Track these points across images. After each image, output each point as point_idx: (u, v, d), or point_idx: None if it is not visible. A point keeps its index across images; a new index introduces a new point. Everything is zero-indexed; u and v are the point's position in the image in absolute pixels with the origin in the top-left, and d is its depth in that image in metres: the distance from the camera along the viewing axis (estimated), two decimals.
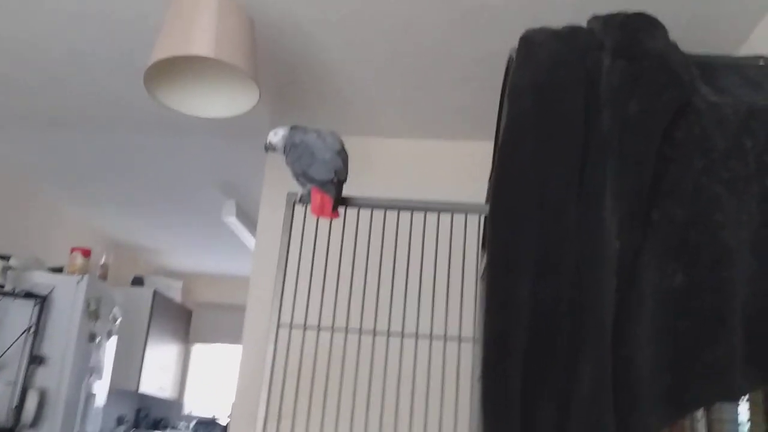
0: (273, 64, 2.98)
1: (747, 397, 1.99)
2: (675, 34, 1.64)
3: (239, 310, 3.71)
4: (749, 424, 2.10)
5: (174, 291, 6.89)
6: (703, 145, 1.52)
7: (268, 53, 2.87)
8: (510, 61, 1.77)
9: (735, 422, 2.10)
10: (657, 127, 1.52)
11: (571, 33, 1.66)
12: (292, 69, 3.01)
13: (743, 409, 2.10)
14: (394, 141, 3.63)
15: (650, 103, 1.54)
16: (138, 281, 6.48)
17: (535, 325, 1.49)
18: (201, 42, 2.23)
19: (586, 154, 1.54)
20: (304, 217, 2.12)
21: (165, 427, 6.90)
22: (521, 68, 1.65)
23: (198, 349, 7.44)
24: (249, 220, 4.94)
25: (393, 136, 3.61)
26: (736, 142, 1.52)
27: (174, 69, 2.44)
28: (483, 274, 2.06)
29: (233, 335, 6.81)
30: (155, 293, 6.41)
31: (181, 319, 7.13)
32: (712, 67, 1.67)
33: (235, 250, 6.06)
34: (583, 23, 1.72)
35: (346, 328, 2.13)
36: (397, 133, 3.58)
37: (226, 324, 7.05)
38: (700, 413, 2.03)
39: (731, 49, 2.48)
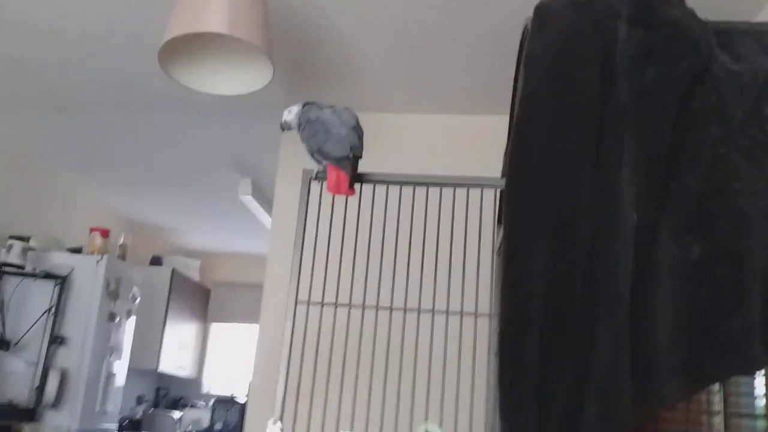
0: (286, 41, 2.97)
1: (764, 371, 1.98)
2: (691, 1, 1.62)
3: (257, 288, 3.73)
4: (766, 398, 2.09)
5: (192, 270, 6.93)
6: (721, 113, 1.51)
7: (281, 30, 2.86)
8: (525, 31, 1.75)
9: (752, 395, 2.09)
10: (674, 96, 1.51)
11: (586, 2, 1.63)
12: (305, 45, 3.00)
13: (759, 382, 2.09)
14: (408, 116, 3.62)
15: (667, 71, 1.52)
16: (156, 261, 6.53)
17: (551, 298, 1.48)
18: (215, 18, 2.22)
19: (602, 124, 1.53)
20: (320, 194, 2.12)
21: (184, 406, 6.98)
22: (536, 38, 1.63)
23: (216, 328, 7.50)
24: (265, 198, 4.95)
25: (407, 112, 3.60)
26: (754, 109, 1.50)
27: (188, 46, 2.43)
28: (499, 248, 2.05)
29: (251, 314, 6.84)
30: (173, 272, 6.45)
31: (199, 298, 7.18)
32: (729, 35, 1.64)
33: (251, 229, 6.08)
34: None
35: (363, 304, 2.13)
36: (411, 109, 3.56)
37: (244, 303, 7.08)
38: (716, 386, 2.02)
39: (748, 15, 2.45)
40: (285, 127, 2.16)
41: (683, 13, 1.59)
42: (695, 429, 2.08)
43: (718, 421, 1.98)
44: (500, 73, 2.97)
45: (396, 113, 3.61)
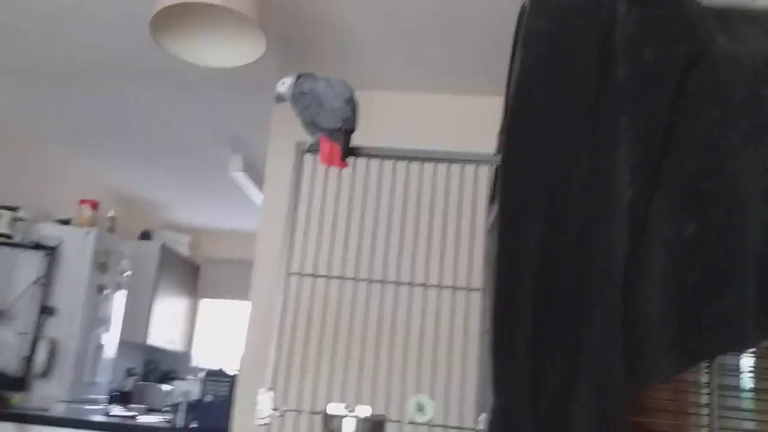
0: (279, 17, 2.94)
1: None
2: None
3: (246, 265, 3.73)
4: (753, 372, 2.12)
5: (181, 245, 6.90)
6: (718, 95, 1.51)
7: (274, 5, 2.83)
8: (523, 8, 1.75)
9: (737, 370, 2.12)
10: (671, 75, 1.51)
11: None
12: (299, 20, 2.98)
13: (747, 359, 2.12)
14: (402, 95, 3.60)
15: (665, 50, 1.52)
16: (146, 235, 6.49)
17: (544, 274, 1.49)
18: None
19: (599, 102, 1.53)
20: (313, 167, 2.12)
21: (173, 379, 6.98)
22: (535, 15, 1.63)
23: (205, 304, 7.50)
24: (256, 175, 4.94)
25: (400, 91, 3.58)
26: (752, 91, 1.51)
27: (181, 18, 2.41)
28: (491, 227, 2.05)
29: (240, 290, 6.83)
30: (163, 247, 6.42)
31: (189, 274, 7.17)
32: (730, 17, 1.64)
33: (242, 206, 6.07)
34: None
35: (356, 276, 2.14)
36: (405, 87, 3.55)
37: (234, 279, 7.07)
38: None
39: None
40: (279, 99, 2.15)
41: None
42: (682, 399, 2.10)
43: (705, 393, 2.00)
44: (495, 53, 2.96)
45: (389, 91, 3.59)
